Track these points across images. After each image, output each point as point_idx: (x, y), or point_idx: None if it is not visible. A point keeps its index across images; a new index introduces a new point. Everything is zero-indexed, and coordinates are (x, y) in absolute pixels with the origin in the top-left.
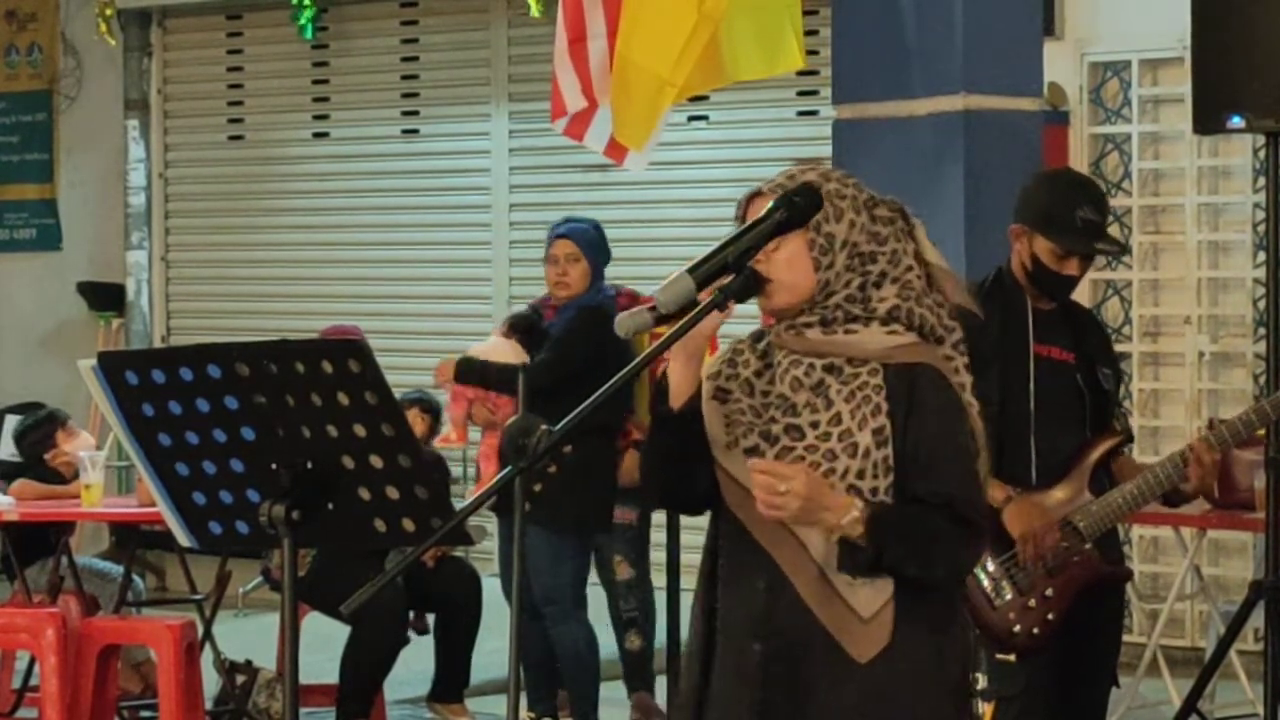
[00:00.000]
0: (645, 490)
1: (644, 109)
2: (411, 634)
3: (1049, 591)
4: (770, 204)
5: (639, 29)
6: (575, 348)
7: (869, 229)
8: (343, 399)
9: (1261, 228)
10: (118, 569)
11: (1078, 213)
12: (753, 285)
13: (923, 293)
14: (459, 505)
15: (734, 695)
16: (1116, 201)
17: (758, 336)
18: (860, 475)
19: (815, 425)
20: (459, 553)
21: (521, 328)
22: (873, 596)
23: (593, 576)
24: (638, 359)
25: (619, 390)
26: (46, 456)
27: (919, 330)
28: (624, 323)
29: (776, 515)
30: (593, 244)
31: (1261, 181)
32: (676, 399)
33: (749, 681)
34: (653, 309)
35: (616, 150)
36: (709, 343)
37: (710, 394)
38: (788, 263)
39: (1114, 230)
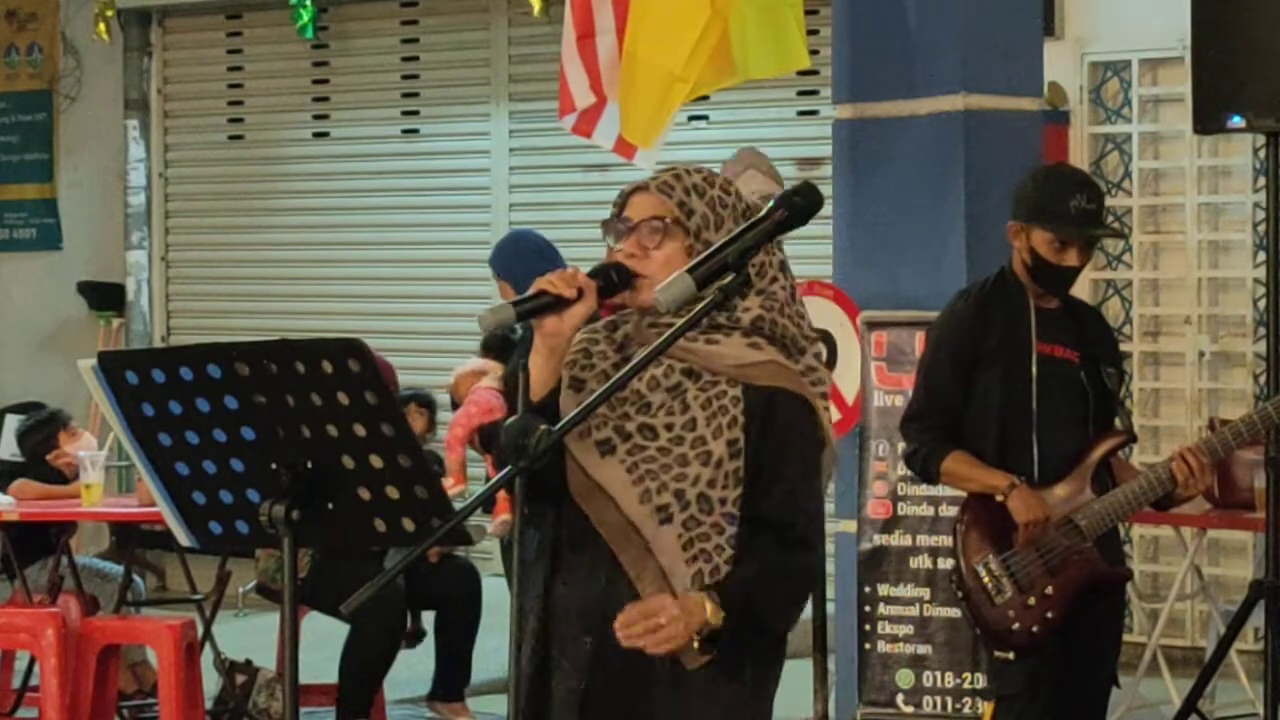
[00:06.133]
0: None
1: (653, 106)
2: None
3: (1049, 590)
4: (770, 202)
5: (647, 25)
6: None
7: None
8: (343, 399)
9: (1261, 228)
10: (118, 569)
11: (1071, 202)
12: (623, 280)
13: (786, 303)
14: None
15: (564, 684)
16: (1117, 201)
17: (613, 326)
18: (711, 484)
19: (670, 428)
20: (459, 552)
21: (495, 346)
22: (712, 605)
23: None
24: (636, 360)
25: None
26: (49, 457)
27: (780, 342)
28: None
29: (666, 649)
30: (502, 262)
31: (1261, 181)
32: (537, 391)
33: (579, 671)
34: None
35: (625, 147)
36: (571, 338)
37: (566, 383)
38: (664, 264)
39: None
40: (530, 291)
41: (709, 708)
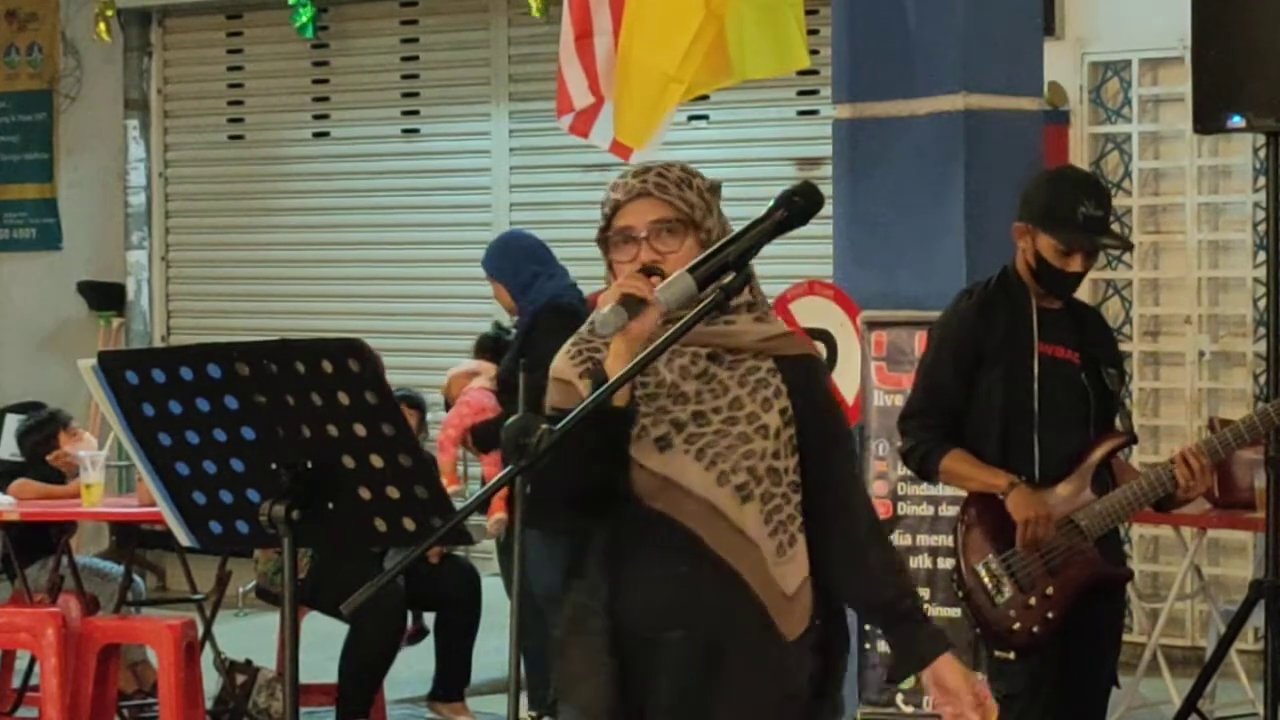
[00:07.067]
0: (562, 493)
1: (647, 107)
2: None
3: (1049, 590)
4: (771, 203)
5: (642, 26)
6: (535, 347)
7: (721, 221)
8: (343, 398)
9: (1261, 227)
10: (118, 569)
11: (1079, 208)
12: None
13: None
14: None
15: (665, 683)
16: (1117, 201)
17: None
18: (776, 455)
19: (717, 410)
20: (459, 552)
21: (488, 346)
22: (794, 573)
23: None
24: (635, 360)
25: None
26: (49, 458)
27: (766, 309)
28: (605, 324)
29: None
30: (494, 264)
31: (1261, 181)
32: (622, 398)
33: (666, 669)
34: (623, 304)
35: (621, 148)
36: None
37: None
38: (683, 262)
39: (1114, 229)
40: (618, 295)
41: (787, 685)
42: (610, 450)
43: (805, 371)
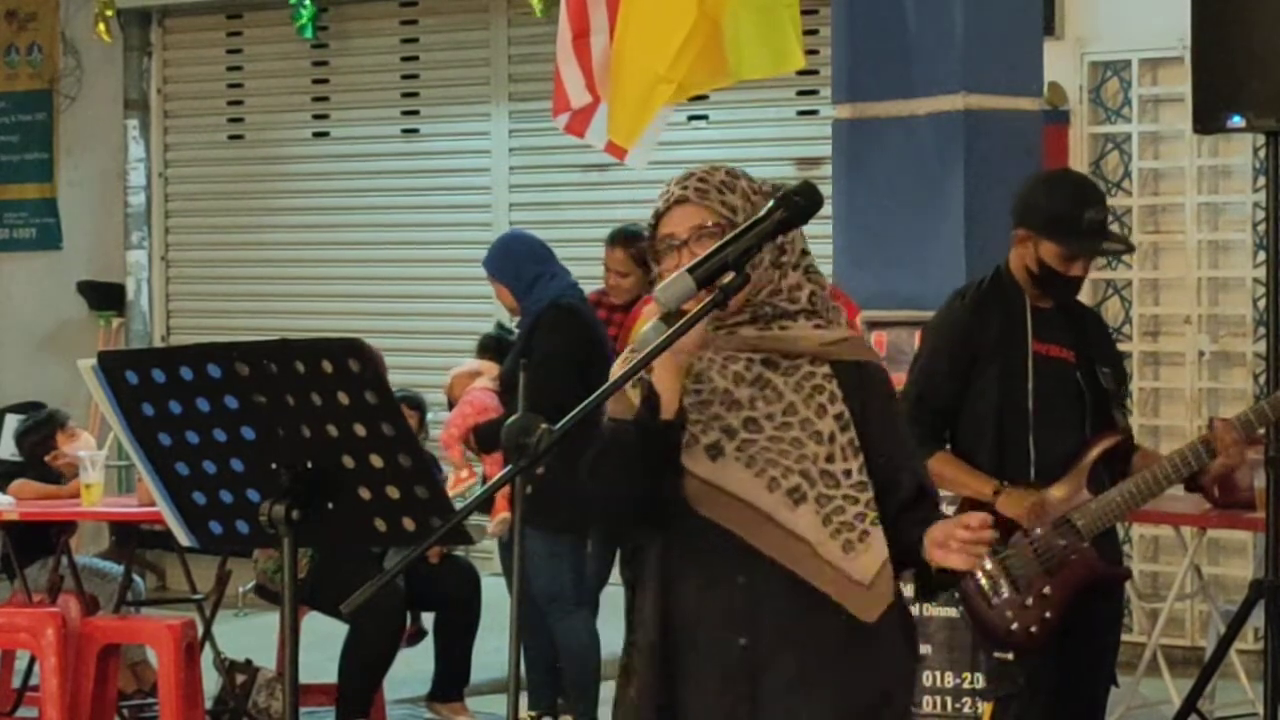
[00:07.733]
0: (615, 506)
1: (637, 105)
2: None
3: (1046, 590)
4: (770, 203)
5: (634, 25)
6: (538, 347)
7: None
8: (343, 398)
9: (1261, 227)
10: (118, 569)
11: (1084, 215)
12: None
13: (818, 272)
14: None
15: (719, 691)
16: (1116, 201)
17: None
18: (830, 459)
19: (771, 417)
20: (459, 551)
21: (491, 346)
22: (870, 562)
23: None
24: (636, 361)
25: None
26: (47, 459)
27: (827, 315)
28: (647, 338)
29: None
30: (495, 265)
31: (1261, 181)
32: (668, 410)
33: (735, 676)
34: (664, 319)
35: (616, 147)
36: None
37: (641, 399)
38: None
39: (1113, 230)
40: (659, 309)
41: (879, 670)
42: (662, 464)
43: (860, 375)
